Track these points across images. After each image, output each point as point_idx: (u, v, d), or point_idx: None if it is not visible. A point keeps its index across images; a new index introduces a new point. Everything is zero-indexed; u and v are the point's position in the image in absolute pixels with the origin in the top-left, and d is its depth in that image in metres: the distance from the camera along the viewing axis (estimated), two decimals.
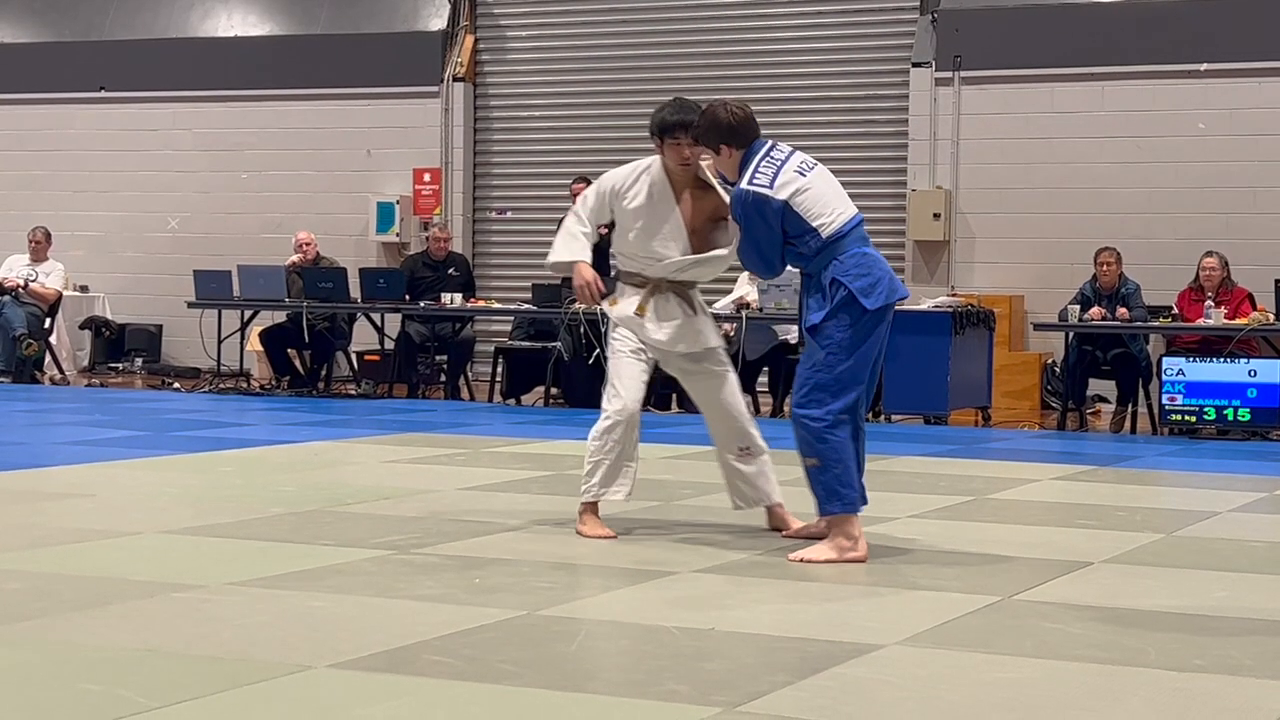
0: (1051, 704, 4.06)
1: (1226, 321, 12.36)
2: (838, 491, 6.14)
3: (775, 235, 6.23)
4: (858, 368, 6.19)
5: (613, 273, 6.88)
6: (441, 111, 17.19)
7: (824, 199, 6.23)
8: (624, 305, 6.71)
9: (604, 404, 6.61)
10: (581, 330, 13.50)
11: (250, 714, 3.83)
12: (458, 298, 14.36)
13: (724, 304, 13.56)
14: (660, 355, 6.68)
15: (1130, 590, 5.61)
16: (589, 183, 15.47)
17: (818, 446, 6.14)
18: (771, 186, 6.18)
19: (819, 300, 6.21)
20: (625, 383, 6.56)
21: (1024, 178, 15.20)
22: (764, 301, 12.85)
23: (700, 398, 6.77)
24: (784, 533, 6.60)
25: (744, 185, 6.22)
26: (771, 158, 6.26)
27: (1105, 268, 12.94)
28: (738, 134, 6.32)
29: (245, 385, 14.80)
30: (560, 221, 6.98)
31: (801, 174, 6.24)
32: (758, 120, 6.42)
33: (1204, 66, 14.63)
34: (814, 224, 6.17)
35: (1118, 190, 14.86)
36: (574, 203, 16.05)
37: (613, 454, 6.53)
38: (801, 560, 6.04)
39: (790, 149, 6.36)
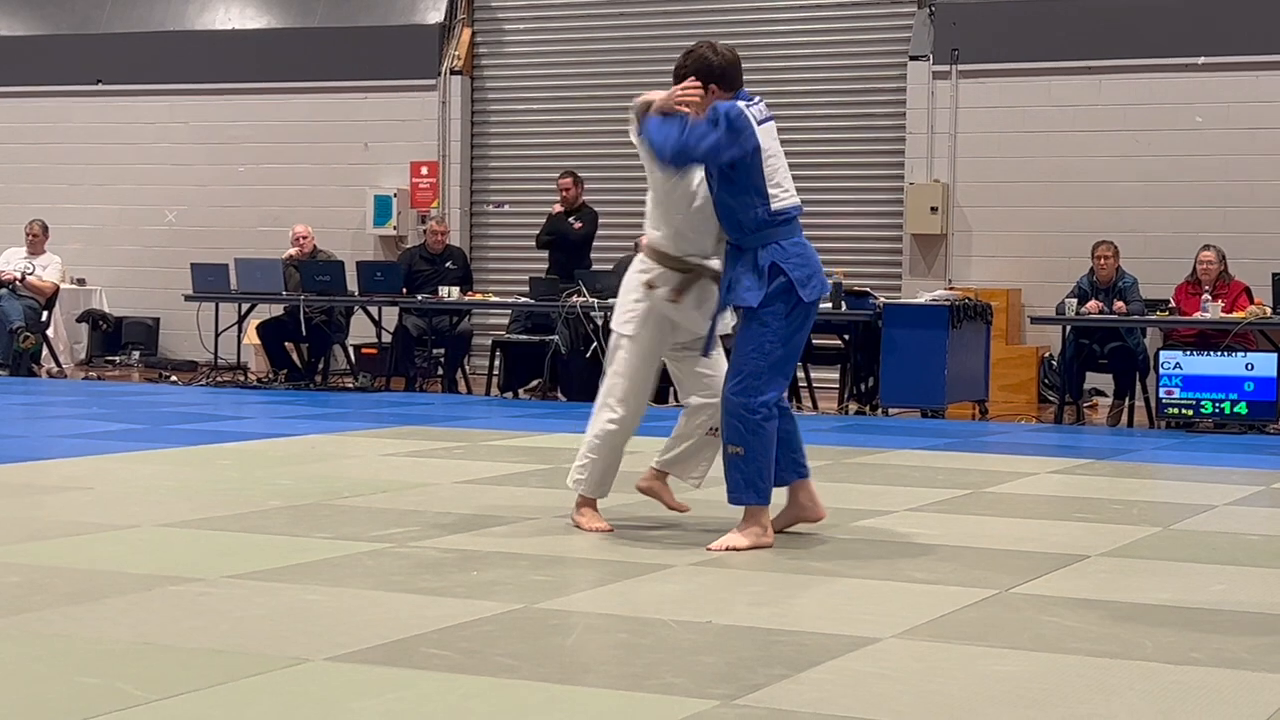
0: (1048, 697, 4.07)
1: (1224, 315, 12.36)
2: (756, 484, 6.18)
3: (717, 152, 6.07)
4: (790, 356, 6.21)
5: (640, 246, 6.59)
6: (439, 105, 17.18)
7: (784, 173, 6.23)
8: (663, 292, 6.41)
9: (611, 400, 6.46)
10: (580, 319, 13.52)
11: (247, 707, 3.84)
12: (455, 291, 14.36)
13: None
14: (679, 336, 6.58)
15: (1127, 584, 5.62)
16: (575, 177, 15.61)
17: (748, 437, 6.14)
18: (758, 125, 6.16)
19: (754, 280, 6.14)
20: (641, 392, 6.48)
21: (1021, 171, 15.19)
22: None
23: (698, 378, 6.69)
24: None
25: (740, 104, 6.17)
26: (763, 108, 6.26)
27: (1102, 261, 12.93)
28: (727, 76, 6.25)
29: (242, 378, 14.79)
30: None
31: (774, 140, 6.25)
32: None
33: (1201, 60, 14.63)
34: (769, 189, 6.13)
35: (1115, 184, 14.85)
36: (561, 195, 16.02)
37: (612, 457, 6.51)
38: (725, 549, 6.06)
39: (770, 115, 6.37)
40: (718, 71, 6.23)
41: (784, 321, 6.15)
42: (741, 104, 6.18)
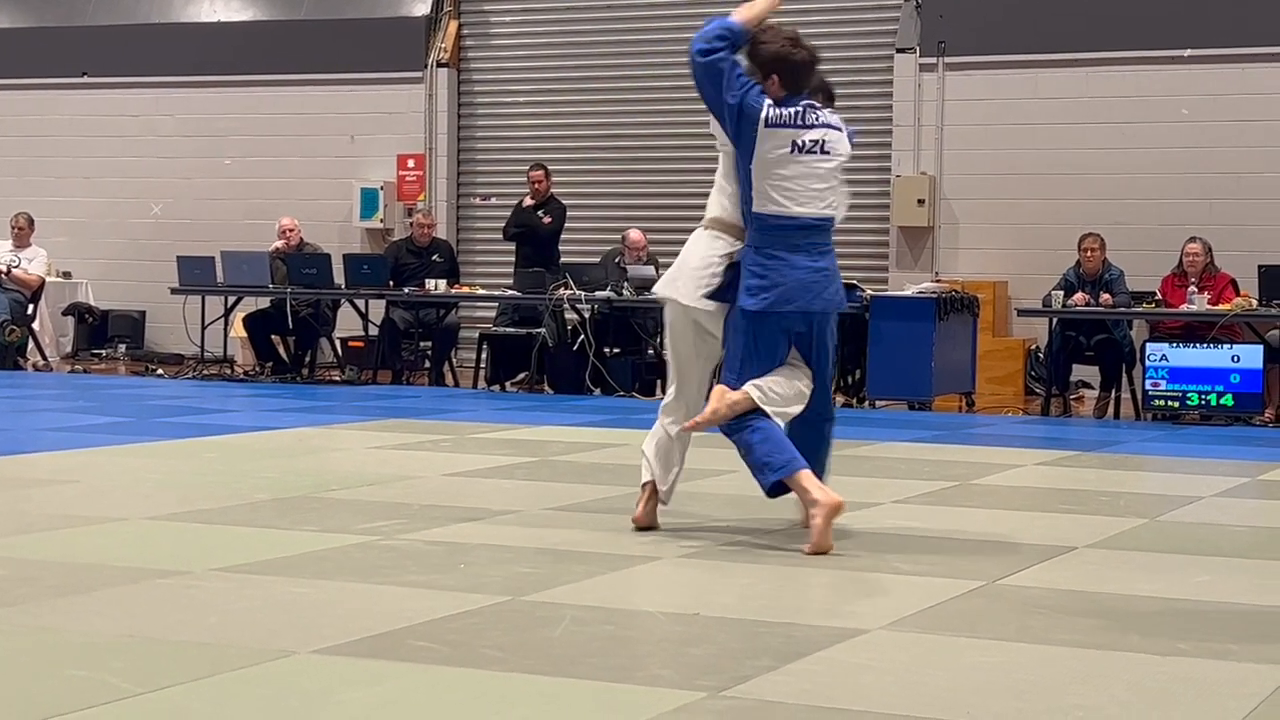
0: (1036, 688, 4.07)
1: (1210, 307, 12.38)
2: (767, 463, 6.01)
3: (705, 59, 6.12)
4: (754, 360, 6.09)
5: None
6: (425, 97, 17.16)
7: (791, 186, 6.11)
8: None
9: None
10: (565, 317, 13.52)
11: (234, 699, 3.83)
12: (442, 284, 14.35)
13: None
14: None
15: (1114, 575, 5.63)
16: (545, 170, 15.68)
17: (732, 437, 6.12)
18: (767, 127, 6.05)
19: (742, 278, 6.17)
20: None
21: (1008, 164, 15.20)
22: None
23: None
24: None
25: (768, 102, 6.09)
26: (799, 115, 6.13)
27: (1089, 253, 12.95)
28: (792, 72, 6.16)
29: (229, 371, 14.77)
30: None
31: (799, 150, 6.09)
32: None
33: (1188, 52, 14.64)
34: (753, 190, 6.08)
35: (1101, 176, 14.87)
36: (533, 188, 16.08)
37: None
38: (817, 545, 5.87)
39: (829, 125, 6.19)
40: (786, 64, 6.15)
41: (743, 323, 6.11)
42: (770, 103, 6.08)
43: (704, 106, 6.24)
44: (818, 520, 5.86)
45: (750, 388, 6.04)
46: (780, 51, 6.19)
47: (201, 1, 18.10)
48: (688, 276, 6.23)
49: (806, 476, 5.94)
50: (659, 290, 6.37)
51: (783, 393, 6.10)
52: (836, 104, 6.51)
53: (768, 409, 6.05)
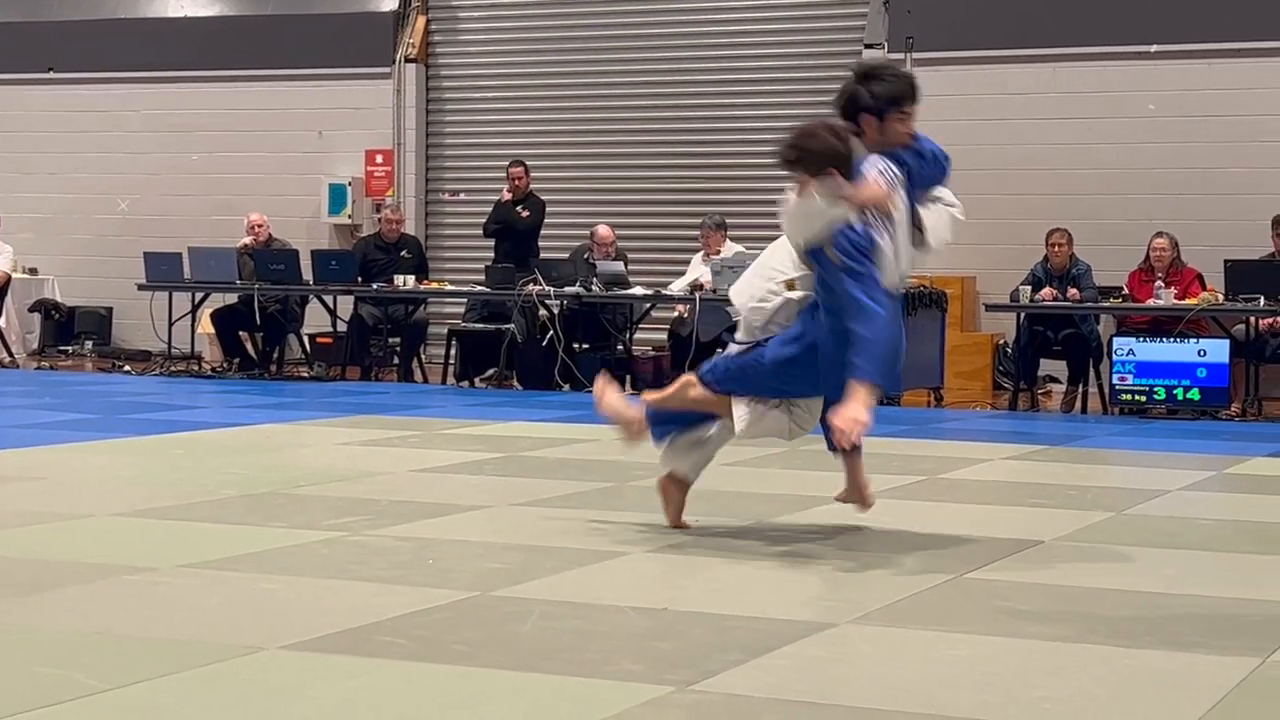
0: (1003, 680, 4.09)
1: (1176, 302, 12.44)
2: (663, 430, 6.20)
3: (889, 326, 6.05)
4: (778, 380, 6.07)
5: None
6: (393, 92, 17.12)
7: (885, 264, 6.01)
8: (798, 295, 6.13)
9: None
10: (537, 312, 13.51)
11: (202, 696, 3.82)
12: (410, 280, 14.34)
13: (678, 285, 13.58)
14: None
15: (1080, 569, 5.65)
16: (524, 166, 15.65)
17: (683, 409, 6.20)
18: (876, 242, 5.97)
19: None
20: None
21: (976, 159, 15.20)
22: (717, 283, 12.82)
23: None
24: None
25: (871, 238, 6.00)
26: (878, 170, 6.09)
27: (1056, 248, 13.00)
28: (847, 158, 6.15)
29: (196, 368, 14.73)
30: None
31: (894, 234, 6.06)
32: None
33: (1154, 48, 14.70)
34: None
35: (1069, 171, 14.91)
36: (512, 184, 16.04)
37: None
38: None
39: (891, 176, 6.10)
40: (838, 155, 6.18)
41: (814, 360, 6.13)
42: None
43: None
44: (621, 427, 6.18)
45: (737, 407, 5.99)
46: (831, 146, 6.29)
47: None
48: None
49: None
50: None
51: (755, 422, 6.07)
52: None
53: (737, 427, 6.04)
